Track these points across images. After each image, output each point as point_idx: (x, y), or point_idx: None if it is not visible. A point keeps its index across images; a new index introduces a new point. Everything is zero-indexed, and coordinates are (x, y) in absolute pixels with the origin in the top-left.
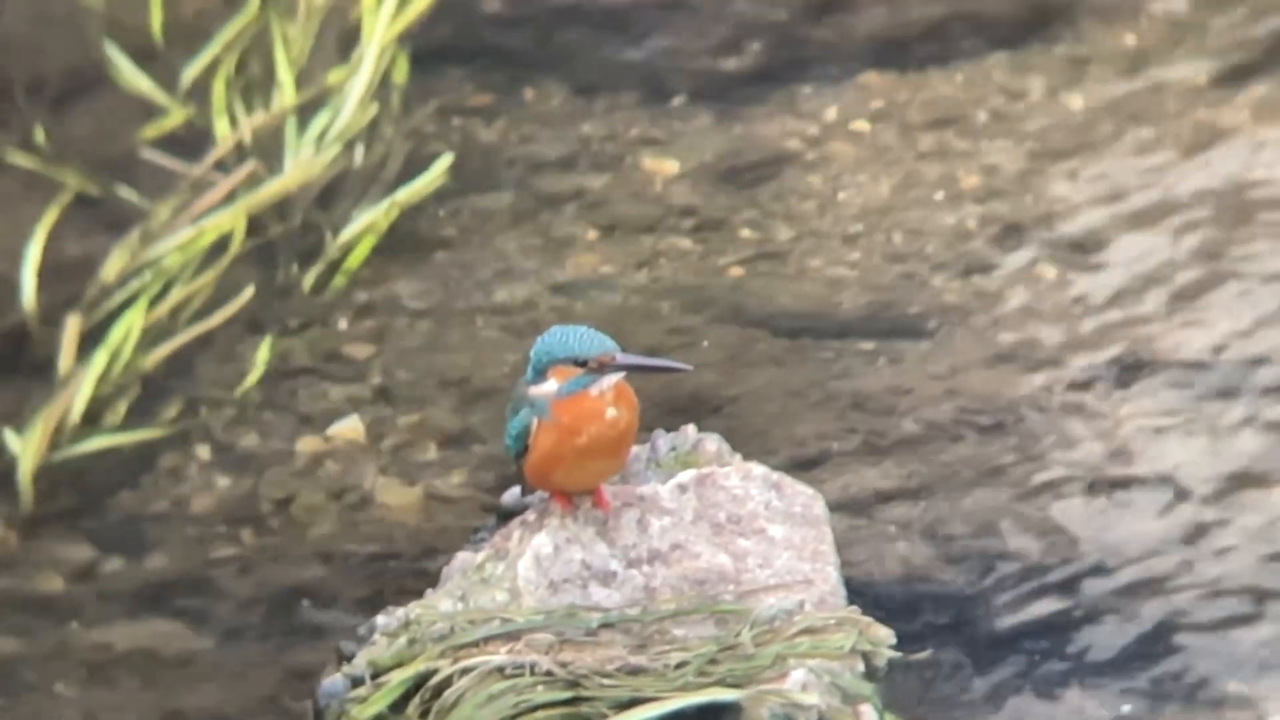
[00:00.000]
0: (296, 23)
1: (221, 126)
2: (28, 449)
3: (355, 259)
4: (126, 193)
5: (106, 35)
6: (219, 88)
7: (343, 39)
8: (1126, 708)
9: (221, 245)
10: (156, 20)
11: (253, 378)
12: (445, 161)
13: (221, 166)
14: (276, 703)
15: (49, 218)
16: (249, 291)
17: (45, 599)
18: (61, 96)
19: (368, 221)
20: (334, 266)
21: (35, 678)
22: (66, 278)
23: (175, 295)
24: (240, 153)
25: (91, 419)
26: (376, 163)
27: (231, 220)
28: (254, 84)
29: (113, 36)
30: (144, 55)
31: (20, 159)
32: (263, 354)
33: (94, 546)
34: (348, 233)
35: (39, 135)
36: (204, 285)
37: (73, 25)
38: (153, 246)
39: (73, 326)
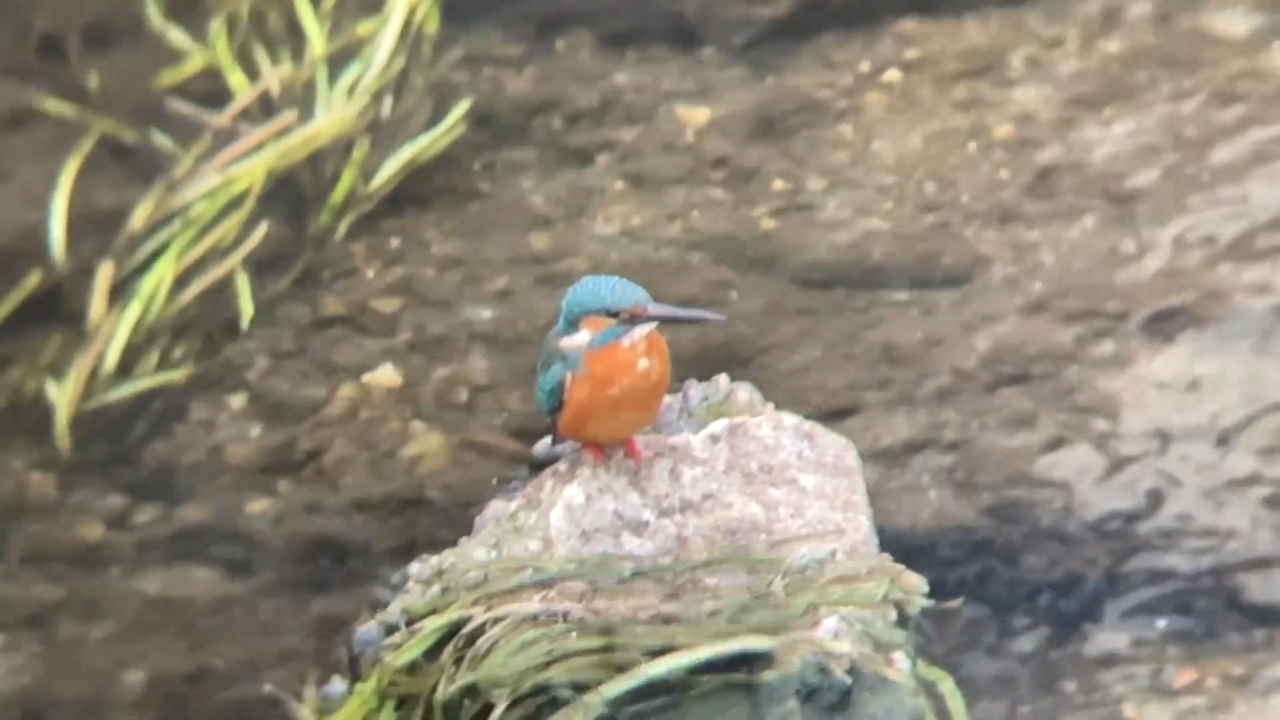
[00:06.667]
0: None
1: (237, 78)
2: (63, 397)
3: (362, 204)
4: (160, 142)
5: None
6: (220, 41)
7: None
8: (1161, 622)
9: (251, 195)
10: None
11: (286, 328)
12: (462, 108)
13: (251, 117)
14: (311, 650)
15: (73, 166)
16: (261, 231)
17: (82, 546)
18: (93, 46)
19: (389, 171)
20: (365, 217)
21: (71, 624)
22: (100, 228)
23: (205, 244)
24: (270, 104)
25: (125, 368)
26: (406, 114)
27: (259, 169)
28: (282, 35)
29: None
30: (180, 4)
31: (54, 107)
32: (295, 303)
33: (129, 495)
34: (374, 183)
35: (91, 81)
36: (233, 234)
37: None
38: (181, 195)
39: (104, 275)
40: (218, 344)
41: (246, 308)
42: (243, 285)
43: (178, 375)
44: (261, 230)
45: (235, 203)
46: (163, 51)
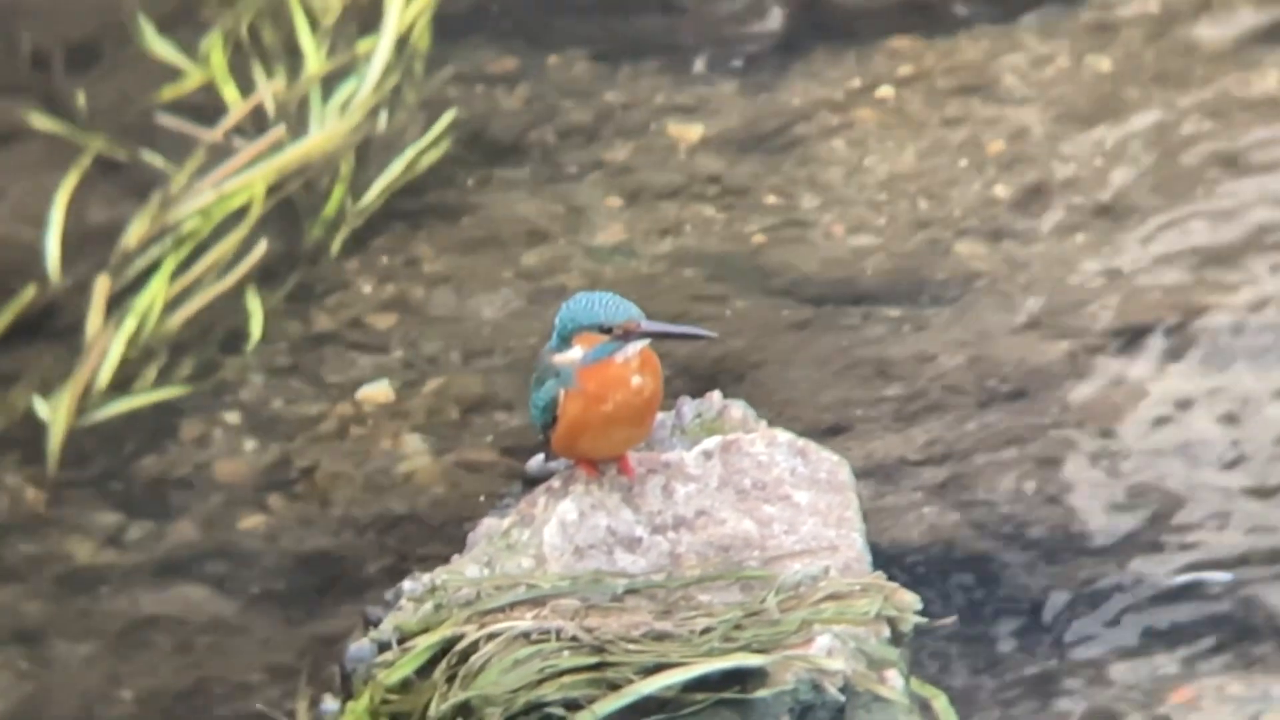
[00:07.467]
0: None
1: (230, 93)
2: (57, 413)
3: (354, 220)
4: (151, 158)
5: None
6: (216, 56)
7: (368, 7)
8: (1156, 638)
9: (247, 211)
10: None
11: (279, 344)
12: (447, 118)
13: (245, 134)
14: (303, 668)
15: (70, 182)
16: (261, 247)
17: (73, 563)
18: (85, 61)
19: (381, 186)
20: (358, 233)
21: (62, 642)
22: (94, 244)
23: (201, 261)
24: (263, 120)
25: (118, 385)
26: (399, 130)
27: (255, 186)
28: (277, 52)
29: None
30: (172, 20)
31: (45, 124)
32: (289, 319)
33: (122, 511)
34: (366, 199)
35: (77, 99)
36: (228, 251)
37: None
38: (175, 212)
39: (101, 289)
40: (212, 360)
41: (255, 328)
42: (254, 306)
43: (172, 392)
44: (261, 247)
45: (231, 218)
46: (155, 67)
